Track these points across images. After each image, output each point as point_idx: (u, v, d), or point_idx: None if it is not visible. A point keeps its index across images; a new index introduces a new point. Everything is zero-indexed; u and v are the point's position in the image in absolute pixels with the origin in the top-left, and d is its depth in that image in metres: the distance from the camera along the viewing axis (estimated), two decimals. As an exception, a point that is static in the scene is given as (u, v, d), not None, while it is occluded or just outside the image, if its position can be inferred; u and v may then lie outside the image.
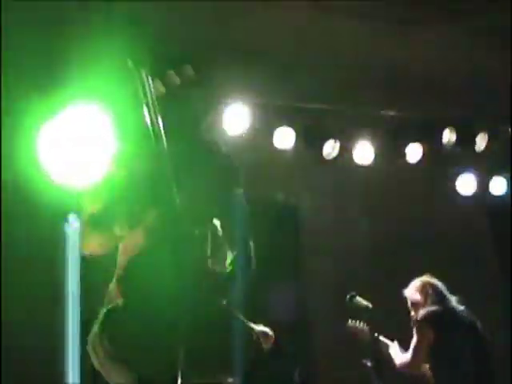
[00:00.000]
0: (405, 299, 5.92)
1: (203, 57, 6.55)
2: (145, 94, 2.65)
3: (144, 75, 2.72)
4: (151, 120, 2.51)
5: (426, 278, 5.88)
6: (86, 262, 5.52)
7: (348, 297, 5.07)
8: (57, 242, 6.07)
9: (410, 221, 8.60)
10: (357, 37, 7.82)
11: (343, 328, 5.77)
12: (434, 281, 5.77)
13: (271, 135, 7.57)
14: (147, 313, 2.70)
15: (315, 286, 8.42)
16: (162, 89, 5.34)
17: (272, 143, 7.59)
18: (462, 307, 5.77)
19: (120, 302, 2.88)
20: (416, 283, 5.93)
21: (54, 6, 6.21)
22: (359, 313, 5.15)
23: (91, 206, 3.15)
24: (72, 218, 5.99)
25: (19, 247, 6.42)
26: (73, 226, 6.01)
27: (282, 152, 7.68)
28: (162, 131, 2.63)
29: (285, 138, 7.63)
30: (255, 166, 6.33)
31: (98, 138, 4.50)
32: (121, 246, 3.09)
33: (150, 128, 2.59)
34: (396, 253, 8.41)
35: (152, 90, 2.72)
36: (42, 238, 6.35)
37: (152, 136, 2.65)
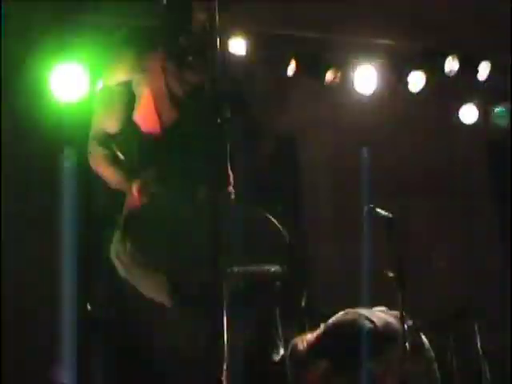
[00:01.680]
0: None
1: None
2: None
3: None
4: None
5: None
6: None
7: (366, 209, 4.88)
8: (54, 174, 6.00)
9: (411, 152, 8.54)
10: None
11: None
12: None
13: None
14: (169, 211, 2.62)
15: (315, 222, 8.38)
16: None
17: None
18: None
19: (140, 204, 2.82)
20: None
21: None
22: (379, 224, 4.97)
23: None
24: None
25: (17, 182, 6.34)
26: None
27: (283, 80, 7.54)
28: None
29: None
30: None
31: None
32: None
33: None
34: (396, 184, 8.36)
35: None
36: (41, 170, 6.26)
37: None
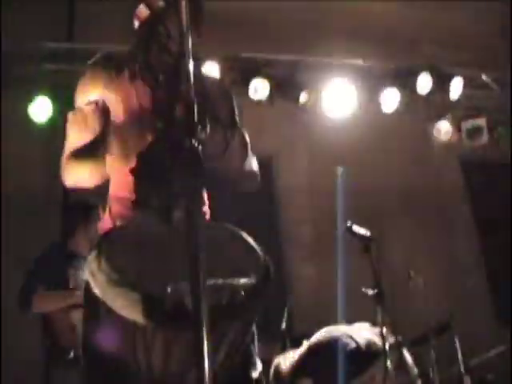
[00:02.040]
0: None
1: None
2: None
3: None
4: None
5: None
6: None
7: (346, 226, 4.93)
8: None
9: (385, 171, 8.60)
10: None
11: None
12: None
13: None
14: (144, 229, 2.64)
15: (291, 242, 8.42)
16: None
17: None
18: None
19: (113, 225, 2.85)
20: None
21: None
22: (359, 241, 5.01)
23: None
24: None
25: None
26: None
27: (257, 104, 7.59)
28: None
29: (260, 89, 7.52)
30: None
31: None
32: None
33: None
34: (372, 205, 8.40)
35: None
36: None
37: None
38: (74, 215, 5.55)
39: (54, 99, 7.13)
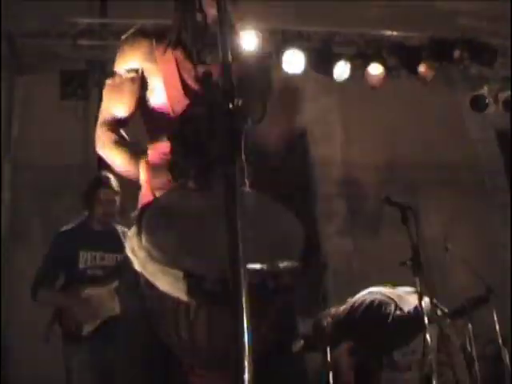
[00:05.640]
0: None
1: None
2: None
3: None
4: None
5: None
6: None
7: (384, 197, 4.89)
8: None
9: (422, 143, 8.56)
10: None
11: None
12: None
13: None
14: (183, 204, 2.61)
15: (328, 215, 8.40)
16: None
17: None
18: None
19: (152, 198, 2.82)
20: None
21: None
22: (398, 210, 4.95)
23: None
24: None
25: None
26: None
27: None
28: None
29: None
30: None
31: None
32: None
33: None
34: (410, 177, 8.38)
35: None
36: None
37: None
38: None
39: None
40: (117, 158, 3.04)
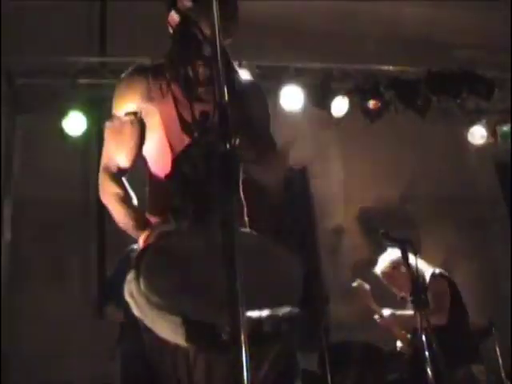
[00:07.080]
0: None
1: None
2: None
3: None
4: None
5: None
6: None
7: (381, 232, 4.86)
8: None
9: (423, 178, 8.58)
10: None
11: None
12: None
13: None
14: (181, 249, 2.58)
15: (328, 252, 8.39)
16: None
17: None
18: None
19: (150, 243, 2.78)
20: (385, 258, 5.86)
21: None
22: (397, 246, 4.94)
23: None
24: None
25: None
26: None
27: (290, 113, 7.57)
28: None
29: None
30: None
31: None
32: None
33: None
34: (409, 210, 8.38)
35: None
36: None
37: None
38: None
39: (88, 113, 7.17)
40: (115, 212, 3.05)
